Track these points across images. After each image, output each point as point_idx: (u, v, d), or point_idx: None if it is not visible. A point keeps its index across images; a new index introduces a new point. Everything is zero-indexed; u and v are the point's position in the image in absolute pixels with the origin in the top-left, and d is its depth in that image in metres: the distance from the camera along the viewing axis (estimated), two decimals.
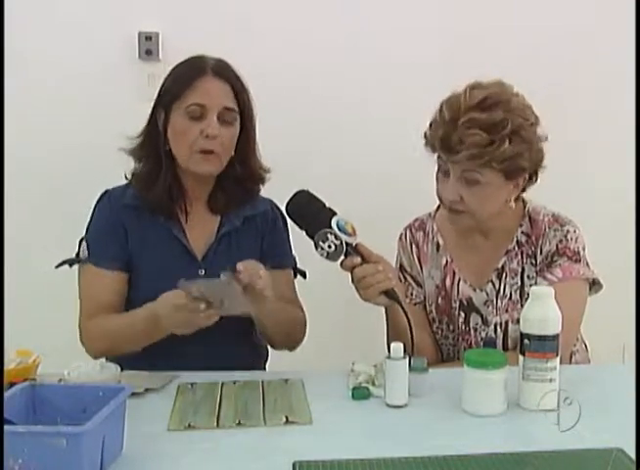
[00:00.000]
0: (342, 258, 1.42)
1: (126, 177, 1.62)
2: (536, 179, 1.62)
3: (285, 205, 1.48)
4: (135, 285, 1.58)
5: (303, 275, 1.73)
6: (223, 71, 1.53)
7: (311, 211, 1.44)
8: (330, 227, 1.41)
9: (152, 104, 1.58)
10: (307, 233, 1.44)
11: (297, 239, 1.61)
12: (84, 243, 1.60)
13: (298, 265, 1.73)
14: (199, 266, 1.59)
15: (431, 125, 1.57)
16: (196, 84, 1.50)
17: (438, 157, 1.57)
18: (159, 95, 1.57)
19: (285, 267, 1.69)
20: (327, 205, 1.46)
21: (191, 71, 1.52)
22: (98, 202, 1.62)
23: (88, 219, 1.62)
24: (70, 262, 1.61)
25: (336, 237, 1.40)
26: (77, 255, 1.60)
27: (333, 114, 2.36)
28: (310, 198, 1.47)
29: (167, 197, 1.57)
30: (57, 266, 1.60)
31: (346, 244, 1.41)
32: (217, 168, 1.55)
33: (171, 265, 1.57)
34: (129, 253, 1.58)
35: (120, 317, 1.54)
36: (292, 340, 1.62)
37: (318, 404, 1.31)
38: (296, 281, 1.72)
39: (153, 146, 1.57)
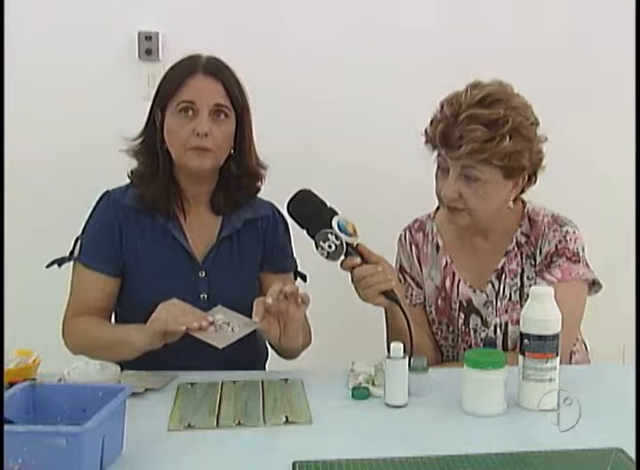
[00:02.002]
0: (343, 257, 1.42)
1: (129, 176, 1.62)
2: (535, 180, 1.62)
3: (286, 203, 1.48)
4: (135, 287, 1.58)
5: (304, 279, 1.73)
6: (214, 69, 1.53)
7: (312, 211, 1.45)
8: (330, 227, 1.41)
9: (150, 104, 1.59)
10: (308, 232, 1.44)
11: (298, 239, 1.61)
12: (79, 242, 1.60)
13: (299, 266, 1.73)
14: (199, 269, 1.58)
15: (431, 122, 1.58)
16: (186, 83, 1.50)
17: (438, 154, 1.57)
18: (155, 95, 1.57)
19: (286, 272, 1.68)
20: (328, 204, 1.46)
21: (182, 71, 1.53)
22: (98, 202, 1.62)
23: (86, 219, 1.62)
24: (60, 262, 1.61)
25: (336, 237, 1.41)
26: (72, 253, 1.60)
27: (333, 114, 2.36)
28: (312, 197, 1.47)
29: (165, 195, 1.57)
30: (47, 266, 1.60)
31: (347, 244, 1.41)
32: (211, 164, 1.54)
33: (171, 267, 1.57)
34: (123, 257, 1.57)
35: (102, 327, 1.54)
36: (303, 348, 1.62)
37: (318, 404, 1.31)
38: (296, 283, 1.71)
39: (151, 145, 1.57)
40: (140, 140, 1.59)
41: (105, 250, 1.57)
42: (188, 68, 1.53)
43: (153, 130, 1.57)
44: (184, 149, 1.51)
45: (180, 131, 1.50)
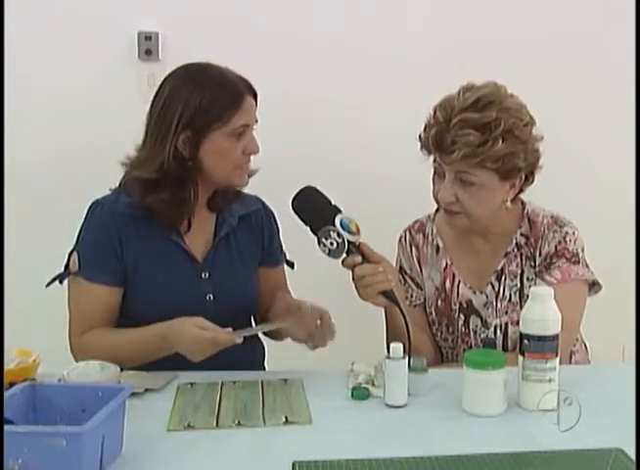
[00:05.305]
0: (344, 256, 1.42)
1: (110, 189, 1.58)
2: (533, 180, 1.62)
3: (291, 200, 1.47)
4: (137, 293, 1.55)
5: (292, 266, 1.74)
6: (251, 88, 1.54)
7: (316, 208, 1.45)
8: (333, 225, 1.41)
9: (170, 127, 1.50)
10: (311, 229, 1.44)
11: (299, 238, 1.61)
12: (75, 255, 1.54)
13: (298, 265, 1.74)
14: (201, 270, 1.57)
15: (425, 128, 1.58)
16: (242, 107, 1.50)
17: (434, 159, 1.57)
18: (180, 115, 1.47)
19: (281, 264, 1.72)
20: (333, 202, 1.46)
21: (232, 96, 1.49)
22: (89, 212, 1.56)
23: (78, 230, 1.56)
24: (61, 278, 1.55)
25: (338, 235, 1.40)
26: (67, 267, 1.55)
27: (333, 115, 2.36)
28: (316, 194, 1.47)
29: (180, 208, 1.53)
30: (47, 285, 1.55)
31: (349, 242, 1.41)
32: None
33: (175, 271, 1.56)
34: (124, 265, 1.53)
35: (119, 334, 1.52)
36: None
37: (317, 404, 1.31)
38: (295, 280, 1.73)
39: (176, 170, 1.50)
40: (159, 164, 1.50)
41: (105, 260, 1.52)
42: (234, 91, 1.49)
43: (165, 147, 1.49)
44: (233, 168, 1.53)
45: (232, 152, 1.51)
